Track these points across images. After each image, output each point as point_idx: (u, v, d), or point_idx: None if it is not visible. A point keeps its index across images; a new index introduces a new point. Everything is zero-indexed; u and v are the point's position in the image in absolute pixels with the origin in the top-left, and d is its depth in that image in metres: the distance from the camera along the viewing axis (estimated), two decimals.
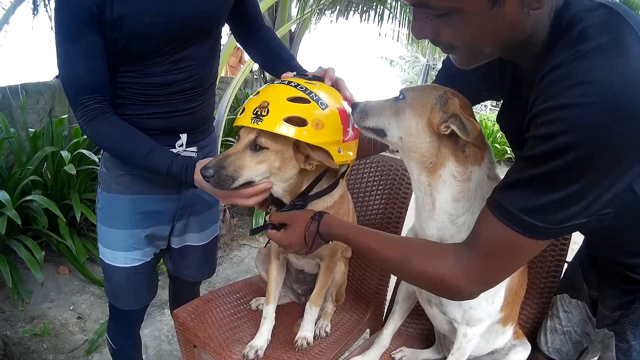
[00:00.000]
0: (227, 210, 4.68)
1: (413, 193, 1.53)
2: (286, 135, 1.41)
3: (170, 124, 1.75)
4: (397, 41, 6.75)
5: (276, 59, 1.95)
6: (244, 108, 1.49)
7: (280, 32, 4.82)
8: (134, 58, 1.59)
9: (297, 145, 1.47)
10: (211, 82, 1.84)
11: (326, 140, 1.45)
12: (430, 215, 1.41)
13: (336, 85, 1.65)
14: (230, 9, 1.80)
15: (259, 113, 1.41)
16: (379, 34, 6.36)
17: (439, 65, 21.37)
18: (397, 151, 1.44)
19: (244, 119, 1.45)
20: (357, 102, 1.47)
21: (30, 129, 4.18)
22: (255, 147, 1.45)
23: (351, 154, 1.57)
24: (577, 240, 1.69)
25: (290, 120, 1.40)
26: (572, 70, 0.93)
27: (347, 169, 1.68)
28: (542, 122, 0.96)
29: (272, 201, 1.68)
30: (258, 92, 1.52)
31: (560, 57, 0.97)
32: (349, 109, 1.54)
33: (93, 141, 1.67)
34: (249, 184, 1.48)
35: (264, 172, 1.48)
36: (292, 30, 5.95)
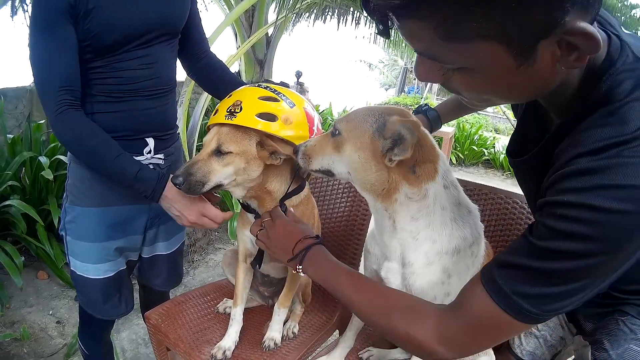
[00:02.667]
0: None
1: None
2: (255, 131, 1.53)
3: (136, 123, 1.78)
4: (375, 44, 6.79)
5: (229, 82, 2.01)
6: (217, 109, 1.60)
7: (256, 36, 4.85)
8: (105, 50, 1.63)
9: (261, 144, 1.56)
10: (171, 86, 1.89)
11: (294, 135, 1.57)
12: (392, 235, 1.43)
13: None
14: (188, 12, 1.88)
15: (232, 110, 1.53)
16: (356, 37, 6.39)
17: None
18: None
19: (218, 117, 1.56)
20: (297, 146, 1.50)
21: (8, 135, 4.18)
22: (219, 152, 1.54)
23: None
24: None
25: (262, 116, 1.52)
26: (612, 166, 0.83)
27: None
28: (566, 215, 0.87)
29: (244, 208, 1.80)
30: (231, 95, 1.63)
31: (601, 141, 0.87)
32: (312, 112, 1.67)
33: (59, 136, 1.61)
34: (218, 187, 1.58)
35: (231, 174, 1.57)
36: (269, 34, 5.98)
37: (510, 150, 1.34)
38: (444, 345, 1.08)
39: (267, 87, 1.64)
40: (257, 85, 1.66)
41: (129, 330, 3.36)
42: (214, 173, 1.55)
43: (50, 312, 3.50)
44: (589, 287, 0.91)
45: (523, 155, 1.23)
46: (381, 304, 1.22)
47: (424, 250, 1.40)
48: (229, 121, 1.52)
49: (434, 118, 1.94)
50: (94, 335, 2.16)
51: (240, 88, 1.68)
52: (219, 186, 1.59)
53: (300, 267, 1.40)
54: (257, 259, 1.84)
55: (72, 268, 1.91)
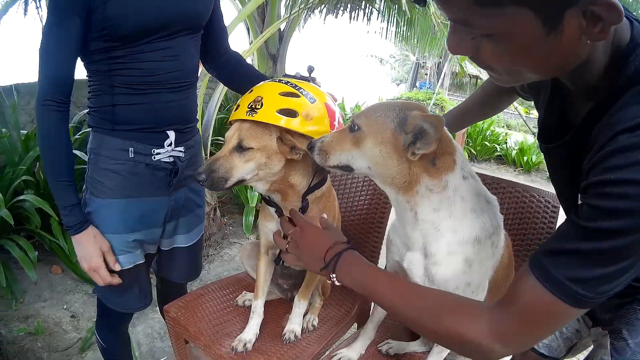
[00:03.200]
0: (217, 209, 4.71)
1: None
2: (275, 126, 1.54)
3: (158, 116, 1.79)
4: (386, 39, 6.77)
5: (250, 77, 2.00)
6: (239, 105, 1.61)
7: (269, 31, 4.84)
8: (124, 39, 1.64)
9: (281, 138, 1.57)
10: (193, 79, 1.89)
11: (315, 130, 1.57)
12: (414, 226, 1.43)
13: None
14: (211, 8, 1.89)
15: (253, 107, 1.53)
16: (367, 32, 6.38)
17: (429, 64, 21.55)
18: None
19: (240, 113, 1.57)
20: (312, 142, 1.46)
21: (22, 130, 4.20)
22: (240, 148, 1.55)
23: None
24: None
25: (283, 112, 1.52)
26: None
27: None
28: (610, 193, 0.88)
29: (266, 203, 1.81)
30: (252, 90, 1.63)
31: (637, 118, 0.88)
32: (333, 106, 1.67)
33: (37, 123, 1.68)
34: (240, 182, 1.60)
35: (252, 170, 1.58)
36: (282, 29, 5.98)
37: (541, 137, 1.34)
38: (500, 342, 1.07)
39: (288, 82, 1.63)
40: (277, 80, 1.66)
41: (145, 324, 3.37)
42: (236, 169, 1.56)
43: (65, 307, 3.51)
44: (637, 264, 0.91)
45: (554, 141, 1.23)
46: (427, 306, 1.20)
47: (445, 241, 1.40)
48: (250, 117, 1.53)
49: None
50: (112, 328, 2.16)
51: (260, 83, 1.68)
52: (241, 181, 1.60)
53: (334, 275, 1.35)
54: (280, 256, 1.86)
55: None
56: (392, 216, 1.63)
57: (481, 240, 1.43)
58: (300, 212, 1.68)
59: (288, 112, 1.53)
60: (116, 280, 1.82)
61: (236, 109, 1.62)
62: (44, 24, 1.64)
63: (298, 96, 1.57)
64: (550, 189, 1.69)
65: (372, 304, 1.95)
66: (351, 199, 2.36)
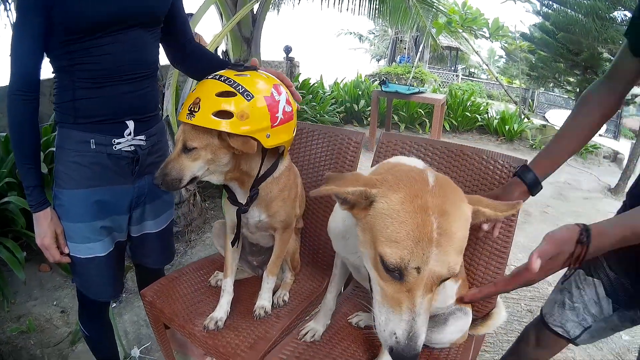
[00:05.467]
0: (197, 194, 4.75)
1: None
2: (212, 129, 1.59)
3: (116, 107, 1.86)
4: (359, 15, 6.74)
5: (215, 65, 2.05)
6: (183, 106, 1.68)
7: (241, 14, 4.80)
8: (85, 32, 1.71)
9: (221, 135, 1.63)
10: (151, 70, 1.95)
11: (251, 129, 1.61)
12: None
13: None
14: (170, 2, 1.96)
15: (192, 109, 1.61)
16: (340, 10, 6.36)
17: (407, 38, 21.45)
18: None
19: (182, 115, 1.64)
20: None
21: (1, 133, 4.22)
22: (186, 149, 1.64)
23: (286, 136, 1.75)
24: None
25: (218, 114, 1.58)
26: None
27: (284, 149, 1.85)
28: None
29: (226, 191, 1.90)
30: (194, 89, 1.70)
31: None
32: (277, 95, 1.71)
33: (7, 110, 1.76)
34: (194, 179, 1.70)
35: (202, 166, 1.68)
36: (254, 12, 5.93)
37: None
38: None
39: (228, 78, 1.67)
40: (218, 77, 1.69)
41: (131, 312, 3.44)
42: (186, 168, 1.66)
43: (55, 303, 3.57)
44: None
45: None
46: None
47: None
48: (189, 120, 1.61)
49: (531, 182, 1.71)
50: (93, 316, 2.23)
51: (202, 81, 1.74)
52: (195, 178, 1.70)
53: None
54: (236, 237, 1.97)
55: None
56: None
57: None
58: (249, 199, 1.81)
59: (223, 114, 1.58)
60: (65, 259, 1.93)
61: (181, 109, 1.68)
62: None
63: (235, 95, 1.61)
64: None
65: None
66: (314, 174, 2.38)
